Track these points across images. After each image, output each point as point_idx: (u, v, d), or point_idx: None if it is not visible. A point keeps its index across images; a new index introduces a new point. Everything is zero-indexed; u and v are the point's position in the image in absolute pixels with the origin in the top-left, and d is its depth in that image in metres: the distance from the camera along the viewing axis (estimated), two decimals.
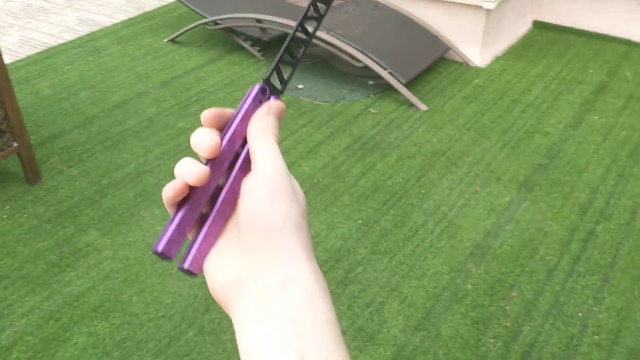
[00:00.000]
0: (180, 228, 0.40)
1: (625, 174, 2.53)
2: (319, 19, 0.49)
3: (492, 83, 3.30)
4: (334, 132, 2.92)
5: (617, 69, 3.40)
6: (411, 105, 3.11)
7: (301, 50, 0.49)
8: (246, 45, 3.63)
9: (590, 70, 3.40)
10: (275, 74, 0.47)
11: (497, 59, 3.56)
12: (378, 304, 1.96)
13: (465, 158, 2.68)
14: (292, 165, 2.68)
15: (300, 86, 3.34)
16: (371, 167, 2.65)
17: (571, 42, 3.73)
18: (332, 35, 3.21)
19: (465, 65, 3.50)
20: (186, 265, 0.40)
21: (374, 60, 3.16)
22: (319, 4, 0.49)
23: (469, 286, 2.02)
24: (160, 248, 0.39)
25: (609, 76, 3.33)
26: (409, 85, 3.22)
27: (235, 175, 0.43)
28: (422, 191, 2.49)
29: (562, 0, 3.85)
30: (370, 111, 3.09)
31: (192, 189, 0.41)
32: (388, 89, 3.25)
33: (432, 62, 3.35)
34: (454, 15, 3.48)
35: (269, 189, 0.40)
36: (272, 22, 3.37)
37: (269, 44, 3.66)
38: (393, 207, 2.40)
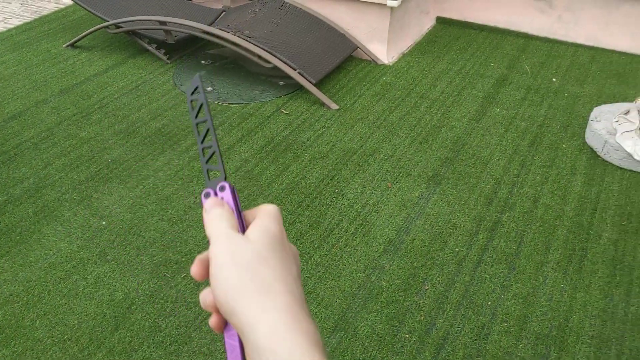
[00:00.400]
0: None
1: (527, 164, 2.65)
2: (204, 102, 0.54)
3: (399, 80, 3.37)
4: (245, 134, 2.88)
5: (516, 62, 3.56)
6: (322, 104, 3.12)
7: (213, 135, 0.53)
8: (151, 48, 3.52)
9: (492, 64, 3.53)
10: (217, 165, 0.52)
11: (403, 56, 3.64)
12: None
13: (377, 155, 2.72)
14: (201, 173, 2.61)
15: (209, 88, 3.27)
16: (285, 169, 2.63)
17: (473, 37, 3.86)
18: (239, 37, 3.16)
19: (373, 63, 3.55)
20: None
21: (283, 61, 3.14)
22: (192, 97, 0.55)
23: (384, 283, 2.04)
24: None
25: (508, 69, 3.48)
26: (319, 84, 3.22)
27: None
28: (336, 190, 2.50)
29: None
30: (281, 112, 3.07)
31: None
32: (299, 89, 3.25)
33: (341, 60, 3.38)
34: (360, 14, 3.52)
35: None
36: (176, 24, 3.28)
37: (175, 46, 3.57)
38: (308, 208, 2.39)
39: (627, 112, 2.72)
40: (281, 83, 3.31)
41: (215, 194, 0.51)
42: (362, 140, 2.83)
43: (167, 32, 3.37)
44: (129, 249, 2.19)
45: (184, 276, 2.08)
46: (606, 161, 2.66)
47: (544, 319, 1.92)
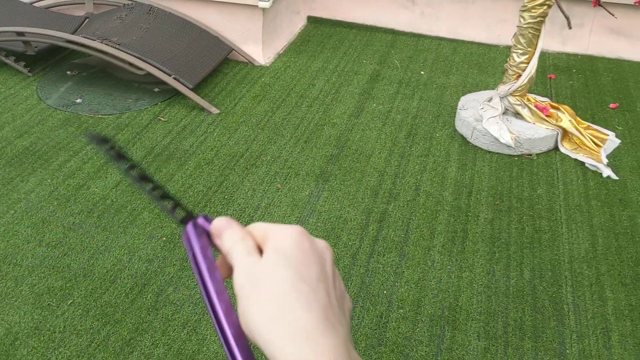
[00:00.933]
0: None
1: (406, 155, 2.78)
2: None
3: (278, 80, 3.38)
4: (122, 146, 2.75)
5: (386, 57, 3.71)
6: (202, 109, 3.06)
7: (149, 179, 0.50)
8: (9, 61, 3.25)
9: (364, 61, 3.65)
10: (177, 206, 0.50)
11: (279, 56, 3.66)
12: (194, 323, 1.90)
13: (263, 157, 2.71)
14: (80, 188, 2.47)
15: (79, 100, 3.08)
16: (169, 179, 2.55)
17: (344, 35, 3.97)
18: (107, 44, 3.01)
19: (250, 64, 3.53)
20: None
21: (156, 67, 3.03)
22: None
23: None
24: None
25: (380, 65, 3.62)
26: (196, 89, 3.16)
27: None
28: (226, 197, 2.46)
29: None
30: (160, 120, 2.97)
31: None
32: (176, 94, 3.16)
33: (217, 63, 3.33)
34: (232, 16, 3.49)
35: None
36: (36, 34, 3.05)
37: (37, 58, 3.32)
38: None
39: (490, 99, 2.93)
40: (156, 90, 3.20)
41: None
42: (247, 144, 2.81)
43: (26, 43, 3.13)
44: (6, 280, 2.01)
45: (71, 303, 1.95)
46: (476, 146, 2.84)
47: (436, 300, 2.02)
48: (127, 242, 2.20)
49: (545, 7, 2.60)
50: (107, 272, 2.07)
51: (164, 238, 2.23)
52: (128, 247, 2.18)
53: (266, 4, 3.33)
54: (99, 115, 2.98)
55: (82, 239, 2.21)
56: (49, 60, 3.43)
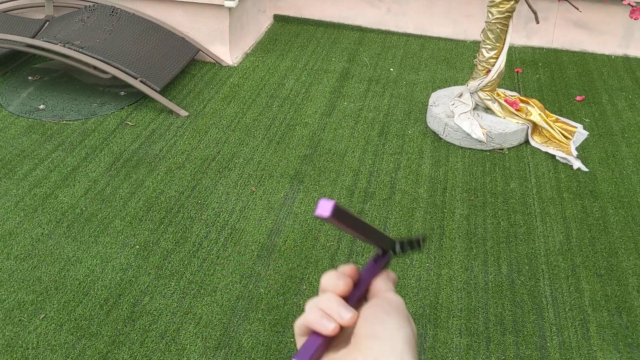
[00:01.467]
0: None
1: (379, 153, 2.77)
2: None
3: (247, 80, 3.34)
4: (90, 152, 2.68)
5: (355, 55, 3.69)
6: (171, 112, 3.00)
7: (418, 241, 0.58)
8: None
9: (333, 59, 3.63)
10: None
11: (247, 56, 3.61)
12: (173, 332, 1.85)
13: (236, 160, 2.67)
14: (47, 198, 2.39)
15: (42, 106, 2.99)
16: (140, 185, 2.49)
17: (312, 33, 3.94)
18: (69, 48, 2.92)
19: (217, 65, 3.48)
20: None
21: (122, 70, 2.96)
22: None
23: (262, 290, 2.02)
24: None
25: (349, 62, 3.60)
26: (164, 91, 3.09)
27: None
28: (199, 201, 2.41)
29: None
30: (127, 124, 2.90)
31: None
32: (143, 98, 3.09)
33: (184, 65, 3.27)
34: (198, 16, 3.43)
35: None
36: None
37: None
38: (171, 224, 2.28)
39: (460, 95, 2.94)
40: (122, 93, 3.12)
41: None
42: (218, 146, 2.76)
43: None
44: None
45: (43, 317, 1.88)
46: (448, 142, 2.86)
47: (417, 299, 2.02)
48: (100, 251, 2.14)
49: (512, 2, 2.62)
50: (79, 283, 2.01)
51: (137, 246, 2.17)
52: (101, 257, 2.11)
53: (232, 3, 3.28)
54: (64, 122, 2.89)
55: (52, 250, 2.14)
56: (8, 66, 3.32)
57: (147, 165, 2.61)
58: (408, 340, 0.45)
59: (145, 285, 2.01)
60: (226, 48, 3.49)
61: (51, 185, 2.47)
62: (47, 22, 3.37)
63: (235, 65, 3.50)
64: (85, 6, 3.36)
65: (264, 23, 3.99)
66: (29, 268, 2.06)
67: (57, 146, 2.71)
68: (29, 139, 2.76)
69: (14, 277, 2.02)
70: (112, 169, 2.58)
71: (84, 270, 2.06)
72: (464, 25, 3.87)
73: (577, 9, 2.62)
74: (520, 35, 3.79)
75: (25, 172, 2.53)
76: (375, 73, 3.49)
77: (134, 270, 2.07)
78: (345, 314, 0.46)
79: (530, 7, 2.41)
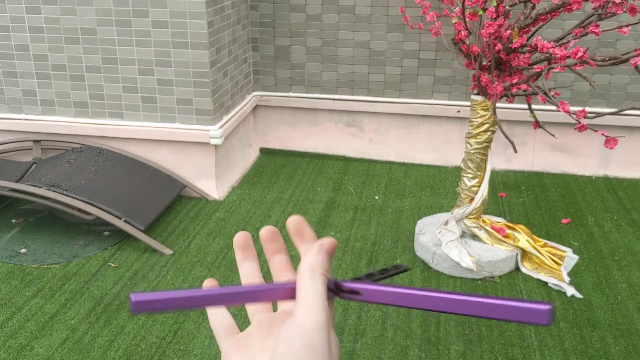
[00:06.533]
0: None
1: None
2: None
3: (233, 214, 3.33)
4: (70, 298, 2.59)
5: (340, 184, 3.73)
6: (154, 251, 2.95)
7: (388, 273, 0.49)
8: None
9: (319, 189, 3.67)
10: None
11: (234, 190, 3.64)
12: None
13: None
14: (22, 350, 2.27)
15: (23, 250, 2.94)
16: (120, 331, 2.38)
17: (297, 164, 4.01)
18: (54, 191, 2.93)
19: (204, 200, 3.49)
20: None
21: (106, 211, 2.95)
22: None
23: None
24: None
25: (334, 192, 3.63)
26: (148, 230, 3.06)
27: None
28: (181, 347, 2.30)
29: (282, 128, 4.16)
30: (110, 266, 2.84)
31: None
32: (126, 237, 3.05)
33: (169, 202, 3.27)
34: (184, 154, 3.49)
35: (303, 345, 0.40)
36: None
37: None
38: None
39: (446, 223, 2.93)
40: (106, 233, 3.09)
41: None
42: (201, 285, 2.68)
43: None
44: None
45: None
46: (438, 271, 2.81)
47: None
48: None
49: (489, 133, 2.69)
50: None
51: None
52: None
53: (218, 141, 3.35)
54: (45, 265, 2.83)
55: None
56: None
57: (129, 310, 2.51)
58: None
59: None
60: (212, 183, 3.52)
61: (27, 335, 2.36)
62: (34, 165, 3.40)
63: (222, 199, 3.51)
64: (73, 148, 3.42)
65: (251, 156, 4.07)
66: None
67: (36, 292, 2.63)
68: (8, 286, 2.68)
69: None
70: (92, 314, 2.48)
71: None
72: (445, 151, 3.97)
73: (553, 135, 2.70)
74: (501, 159, 3.88)
75: (1, 322, 2.43)
76: (360, 201, 3.51)
77: None
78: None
79: (506, 137, 2.48)
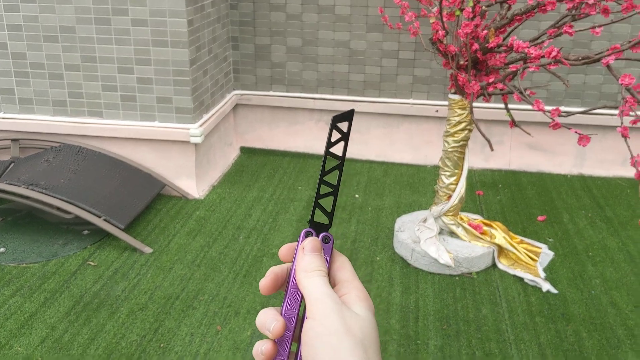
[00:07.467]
0: None
1: None
2: (345, 137, 0.53)
3: (213, 213, 3.34)
4: (49, 297, 2.58)
5: None
6: (135, 249, 2.94)
7: (337, 177, 0.54)
8: None
9: (299, 187, 3.69)
10: (319, 211, 0.53)
11: (214, 188, 3.64)
12: None
13: (201, 297, 2.60)
14: (1, 349, 2.26)
15: (2, 249, 2.91)
16: (100, 330, 2.38)
17: (278, 163, 4.02)
18: (32, 189, 2.91)
19: (184, 198, 3.49)
20: None
21: (85, 209, 2.94)
22: (339, 124, 0.53)
23: None
24: None
25: (315, 190, 3.64)
26: (128, 228, 3.06)
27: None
28: (161, 345, 2.30)
29: (262, 126, 4.17)
30: (89, 264, 2.83)
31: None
32: (106, 236, 3.04)
33: (149, 201, 3.26)
34: (164, 152, 3.48)
35: (323, 345, 0.44)
36: None
37: None
38: None
39: (425, 220, 2.97)
40: (85, 232, 3.08)
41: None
42: (182, 283, 2.69)
43: None
44: None
45: None
46: (417, 268, 2.84)
47: None
48: None
49: (466, 132, 2.74)
50: None
51: None
52: None
53: (198, 139, 3.36)
54: (24, 265, 2.81)
55: None
56: None
57: (109, 308, 2.51)
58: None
59: None
60: (193, 181, 3.52)
61: (6, 334, 2.34)
62: (12, 163, 3.37)
63: (202, 198, 3.51)
64: (52, 147, 3.40)
65: (231, 155, 4.07)
66: None
67: (15, 292, 2.61)
68: None
69: None
70: (72, 313, 2.48)
71: None
72: (424, 151, 4.01)
73: (529, 134, 2.75)
74: (478, 158, 3.93)
75: None
76: (340, 200, 3.53)
77: None
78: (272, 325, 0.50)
79: (483, 136, 2.52)
